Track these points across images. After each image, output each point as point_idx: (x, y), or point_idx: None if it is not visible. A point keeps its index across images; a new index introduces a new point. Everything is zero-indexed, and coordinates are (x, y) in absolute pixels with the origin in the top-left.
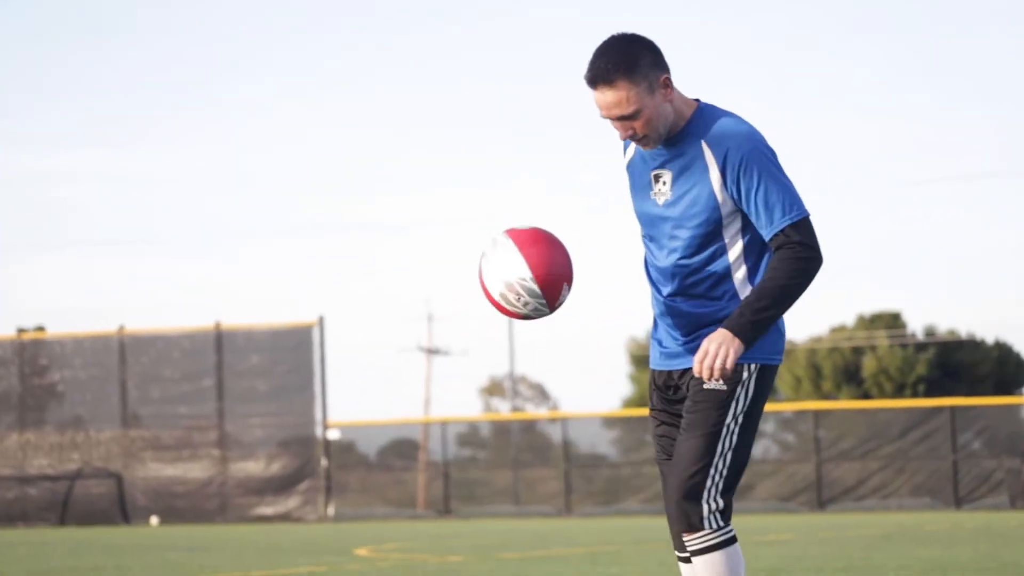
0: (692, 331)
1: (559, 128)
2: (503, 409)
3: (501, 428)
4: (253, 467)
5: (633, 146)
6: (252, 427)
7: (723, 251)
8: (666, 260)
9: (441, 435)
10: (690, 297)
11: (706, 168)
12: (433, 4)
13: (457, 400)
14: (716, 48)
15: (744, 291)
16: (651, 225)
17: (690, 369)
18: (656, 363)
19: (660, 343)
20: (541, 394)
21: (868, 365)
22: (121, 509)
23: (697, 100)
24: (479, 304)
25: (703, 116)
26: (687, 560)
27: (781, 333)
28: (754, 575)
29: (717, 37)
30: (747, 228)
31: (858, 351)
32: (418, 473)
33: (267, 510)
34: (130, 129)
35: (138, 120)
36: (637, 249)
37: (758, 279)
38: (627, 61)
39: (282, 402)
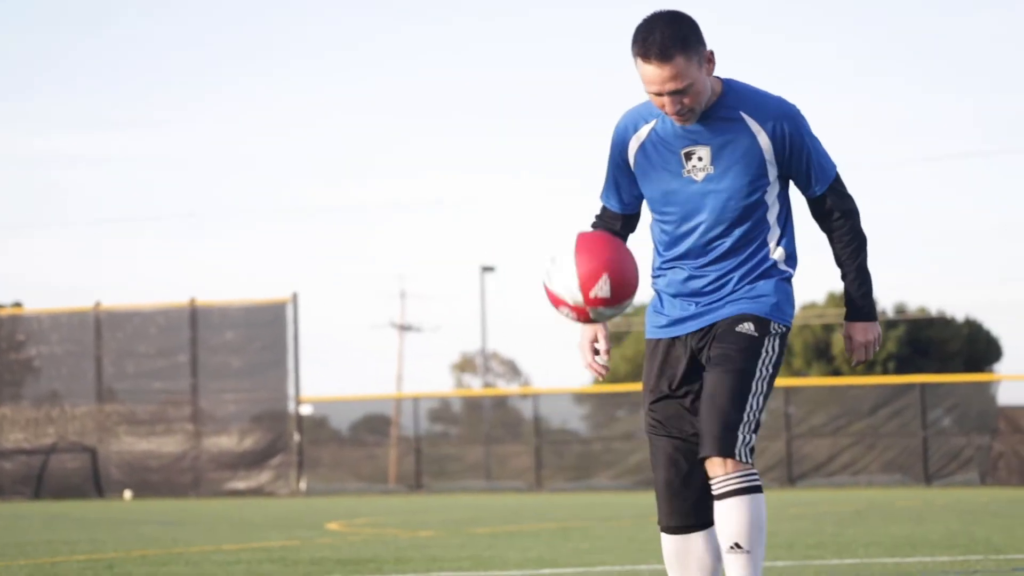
0: (721, 295)
1: (532, 111)
2: (475, 385)
3: (473, 404)
4: (226, 442)
5: (644, 129)
6: (226, 402)
7: (764, 216)
8: (708, 234)
9: (413, 411)
10: (727, 263)
11: (754, 137)
12: None
13: (429, 376)
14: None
15: (776, 252)
16: (685, 203)
17: (713, 325)
18: (685, 328)
19: (665, 312)
20: (512, 370)
21: (838, 342)
22: (95, 483)
23: (718, 76)
24: (450, 281)
25: (734, 90)
26: (676, 531)
27: (793, 301)
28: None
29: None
30: (782, 191)
31: (828, 328)
32: (390, 448)
33: (240, 484)
34: (108, 112)
35: (117, 103)
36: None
37: (786, 238)
38: (681, 36)
39: (256, 378)
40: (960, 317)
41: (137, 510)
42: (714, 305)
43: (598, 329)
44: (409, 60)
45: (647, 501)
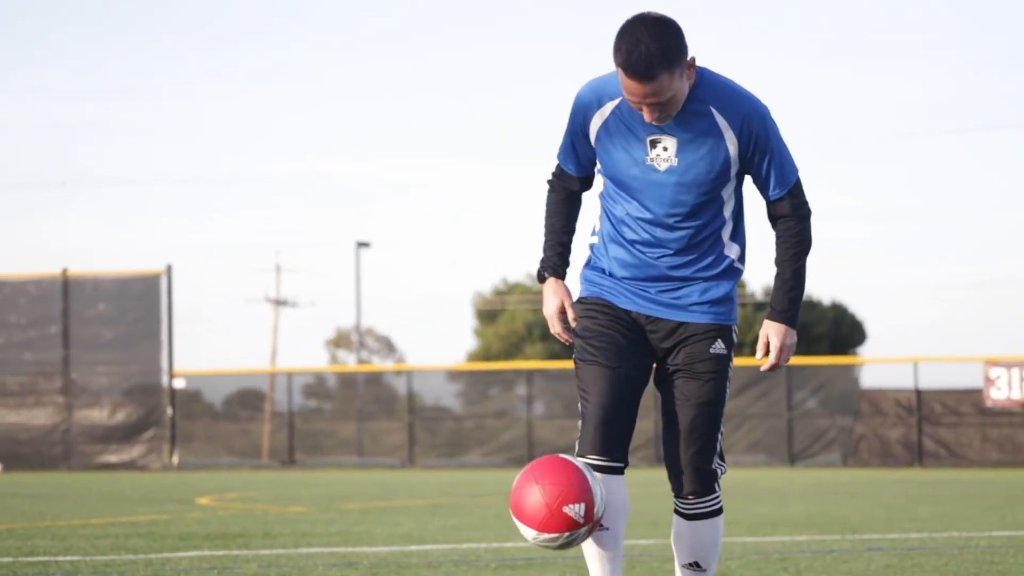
0: (674, 287)
1: (408, 87)
2: (349, 361)
3: (347, 380)
4: (98, 415)
5: (609, 107)
6: (98, 375)
7: (720, 211)
8: (665, 223)
9: (287, 386)
10: (683, 256)
11: (721, 135)
12: None
13: (304, 352)
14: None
15: (731, 249)
16: (644, 190)
17: (677, 324)
18: (639, 308)
19: (614, 284)
20: (387, 347)
21: None
22: None
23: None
24: (326, 256)
25: (705, 82)
26: (605, 471)
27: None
28: None
29: None
30: (738, 186)
31: None
32: (263, 423)
33: (112, 458)
34: None
35: None
36: (484, 205)
37: (740, 233)
38: (667, 54)
39: (128, 350)
40: (827, 301)
41: (6, 483)
42: (676, 299)
43: (564, 298)
44: (284, 36)
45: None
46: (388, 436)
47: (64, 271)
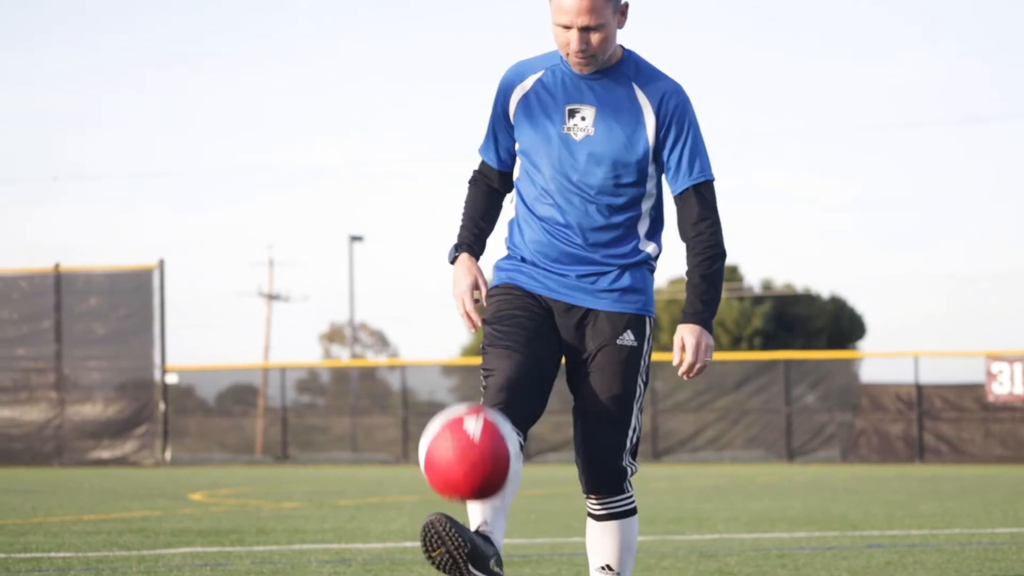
0: (585, 272)
1: (402, 79)
2: (343, 356)
3: (340, 375)
4: (90, 410)
5: (530, 80)
6: (90, 370)
7: (637, 200)
8: (580, 193)
9: (280, 381)
10: (594, 235)
11: (640, 110)
12: None
13: (297, 346)
14: None
15: (647, 246)
16: (559, 159)
17: (590, 311)
18: (553, 294)
19: (529, 272)
20: (381, 341)
21: None
22: None
23: (621, 44)
24: (319, 250)
25: (632, 60)
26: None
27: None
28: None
29: None
30: (659, 183)
31: None
32: (256, 419)
33: (104, 454)
34: None
35: None
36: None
37: (659, 234)
38: None
39: (121, 345)
40: (826, 294)
41: None
42: (583, 284)
43: (477, 275)
44: (278, 27)
45: None
46: (382, 431)
47: (56, 266)
